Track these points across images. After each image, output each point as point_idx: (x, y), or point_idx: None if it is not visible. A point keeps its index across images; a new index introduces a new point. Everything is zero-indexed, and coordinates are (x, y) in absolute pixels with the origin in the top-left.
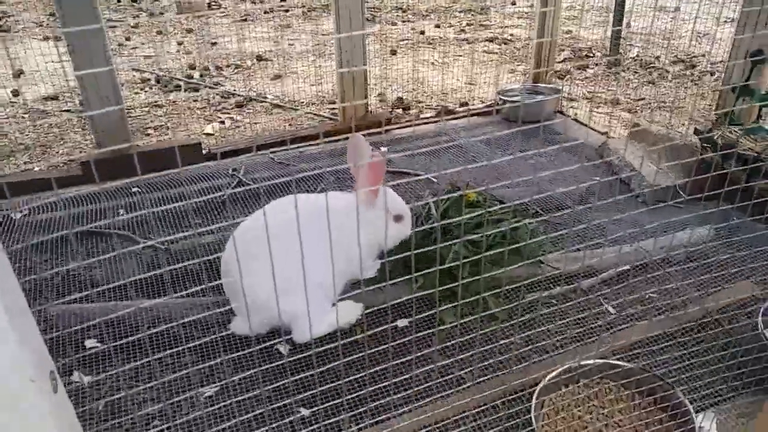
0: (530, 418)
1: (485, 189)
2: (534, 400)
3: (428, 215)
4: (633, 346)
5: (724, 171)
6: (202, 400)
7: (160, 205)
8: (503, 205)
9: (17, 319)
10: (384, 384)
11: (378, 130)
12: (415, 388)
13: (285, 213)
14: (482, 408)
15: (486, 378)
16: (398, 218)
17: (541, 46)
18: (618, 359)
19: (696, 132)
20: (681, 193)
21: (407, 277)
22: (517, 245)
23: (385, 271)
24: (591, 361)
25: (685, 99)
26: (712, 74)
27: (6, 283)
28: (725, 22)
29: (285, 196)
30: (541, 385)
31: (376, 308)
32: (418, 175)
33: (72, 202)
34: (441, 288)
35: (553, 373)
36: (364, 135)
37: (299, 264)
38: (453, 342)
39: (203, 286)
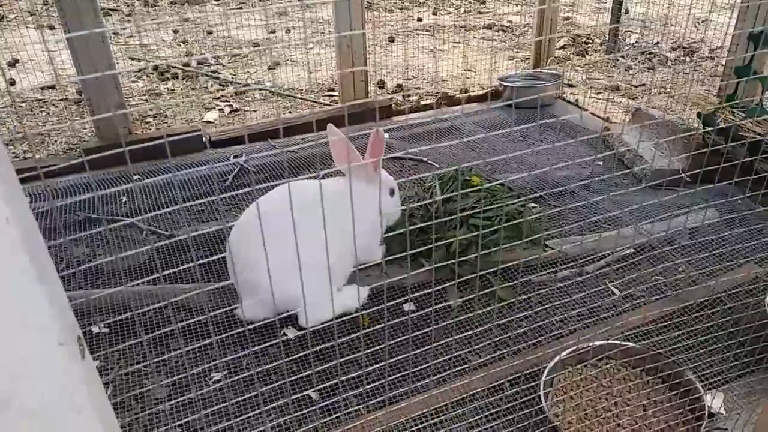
0: (539, 396)
1: (488, 176)
2: (542, 380)
3: (431, 198)
4: (641, 327)
5: (730, 155)
6: (210, 384)
7: (162, 193)
8: (512, 193)
9: (46, 280)
10: (402, 374)
11: (396, 118)
12: (419, 367)
13: (286, 200)
14: (491, 388)
15: (493, 358)
16: (392, 192)
17: (540, 32)
18: (626, 340)
19: (699, 116)
20: (686, 177)
21: (410, 251)
22: (515, 226)
23: (401, 252)
24: (600, 342)
25: (686, 84)
26: (711, 59)
27: (33, 241)
28: (723, 8)
29: (286, 182)
30: (550, 365)
31: (378, 290)
32: (420, 161)
33: (73, 190)
34: (441, 263)
35: (562, 354)
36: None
37: (302, 249)
38: (453, 320)
39: (219, 282)
